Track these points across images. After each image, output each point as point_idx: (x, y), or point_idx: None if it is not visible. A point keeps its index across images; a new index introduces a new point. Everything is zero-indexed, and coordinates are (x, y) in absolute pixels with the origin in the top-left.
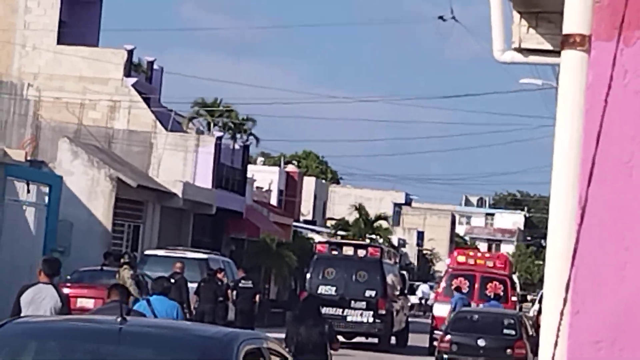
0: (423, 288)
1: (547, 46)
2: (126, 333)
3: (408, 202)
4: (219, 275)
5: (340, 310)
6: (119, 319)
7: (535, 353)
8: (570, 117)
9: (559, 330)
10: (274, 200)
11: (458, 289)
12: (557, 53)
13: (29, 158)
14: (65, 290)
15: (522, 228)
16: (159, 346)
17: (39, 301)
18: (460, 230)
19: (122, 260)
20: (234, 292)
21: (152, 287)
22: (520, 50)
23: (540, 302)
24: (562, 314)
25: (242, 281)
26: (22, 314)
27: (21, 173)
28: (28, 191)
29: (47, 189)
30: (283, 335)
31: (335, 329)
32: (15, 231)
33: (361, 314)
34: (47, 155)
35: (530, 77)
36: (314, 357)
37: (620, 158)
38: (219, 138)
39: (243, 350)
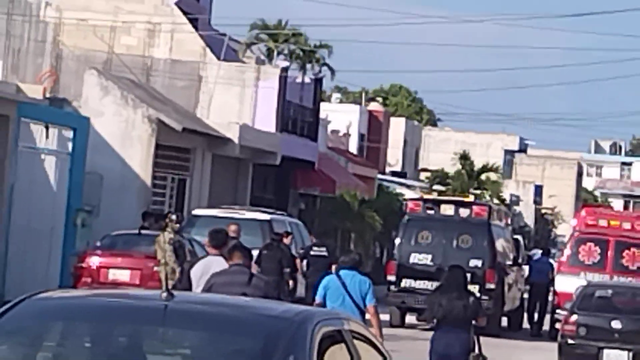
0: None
1: None
2: (173, 312)
3: (523, 149)
4: (286, 241)
5: (438, 283)
6: (164, 294)
7: None
8: None
9: None
10: (353, 147)
11: (545, 251)
12: None
13: (47, 95)
14: (94, 259)
15: None
16: (214, 328)
17: (209, 273)
18: (588, 183)
19: (167, 221)
20: (305, 262)
21: (342, 260)
22: None
23: None
24: None
25: (314, 248)
26: (194, 289)
27: (38, 113)
28: (47, 136)
29: (70, 134)
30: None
31: (481, 304)
32: (31, 186)
33: None
34: (71, 92)
35: None
36: (456, 331)
37: None
38: (285, 69)
39: (319, 333)
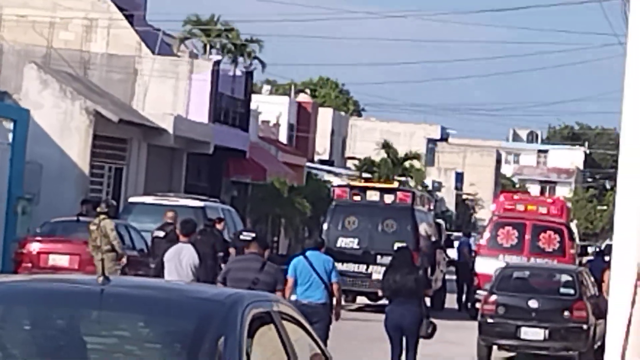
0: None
1: None
2: (109, 295)
3: (444, 138)
4: (218, 226)
5: (364, 266)
6: (100, 278)
7: (597, 315)
8: None
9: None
10: (283, 137)
11: (466, 234)
12: None
13: None
14: (35, 245)
15: (581, 167)
16: (148, 311)
17: (179, 258)
18: (507, 170)
19: (98, 209)
20: (234, 247)
21: (308, 242)
22: None
23: (603, 254)
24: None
25: (244, 233)
26: (165, 271)
27: None
28: None
29: (10, 125)
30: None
31: (427, 279)
32: None
33: None
34: (11, 85)
35: None
36: (408, 302)
37: None
38: (217, 63)
39: (249, 315)
